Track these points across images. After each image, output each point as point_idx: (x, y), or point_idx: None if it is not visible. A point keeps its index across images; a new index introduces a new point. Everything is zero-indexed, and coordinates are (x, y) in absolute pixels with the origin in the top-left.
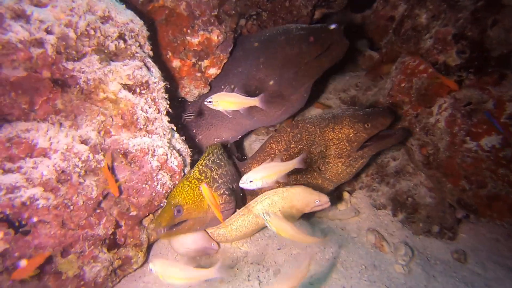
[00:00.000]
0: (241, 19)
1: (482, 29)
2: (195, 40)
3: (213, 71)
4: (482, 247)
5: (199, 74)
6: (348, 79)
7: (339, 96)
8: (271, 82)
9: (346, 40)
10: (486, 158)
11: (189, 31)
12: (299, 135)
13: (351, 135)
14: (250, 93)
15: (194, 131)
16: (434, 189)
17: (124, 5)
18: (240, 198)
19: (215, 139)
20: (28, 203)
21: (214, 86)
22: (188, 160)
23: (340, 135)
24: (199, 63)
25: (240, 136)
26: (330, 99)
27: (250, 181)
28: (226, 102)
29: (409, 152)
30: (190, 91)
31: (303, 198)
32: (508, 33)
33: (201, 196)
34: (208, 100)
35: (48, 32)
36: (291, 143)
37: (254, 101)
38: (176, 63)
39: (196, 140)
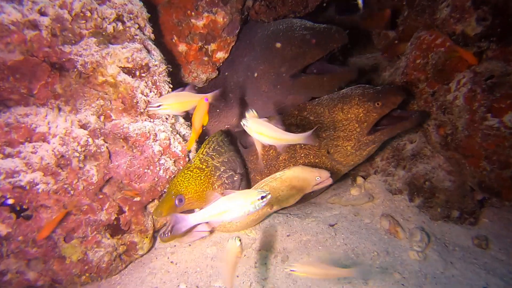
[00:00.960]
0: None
1: None
2: (200, 23)
3: (221, 55)
4: (507, 232)
5: (206, 58)
6: (364, 60)
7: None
8: (269, 80)
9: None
10: (510, 135)
11: (193, 13)
12: (307, 118)
13: (360, 115)
14: (248, 85)
15: None
16: (454, 172)
17: None
18: (245, 184)
19: (225, 126)
20: (28, 187)
21: (222, 71)
22: (194, 145)
23: (349, 115)
24: (206, 46)
25: None
26: None
27: (244, 124)
28: (176, 104)
29: (426, 134)
30: (197, 76)
31: (303, 177)
32: None
33: (204, 186)
34: (155, 105)
35: (42, 13)
36: (299, 127)
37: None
38: (182, 47)
39: (208, 125)
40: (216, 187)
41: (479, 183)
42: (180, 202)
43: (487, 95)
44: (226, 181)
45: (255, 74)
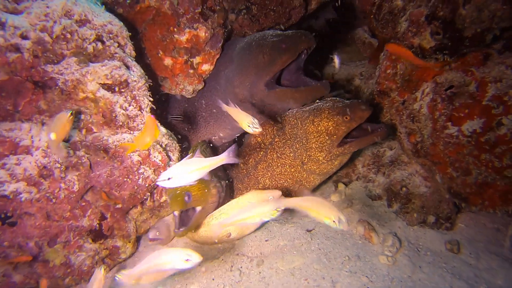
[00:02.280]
0: (230, 14)
1: (453, 8)
2: (183, 38)
3: (206, 67)
4: (481, 237)
5: (192, 71)
6: (353, 68)
7: (343, 86)
8: (245, 90)
9: (327, 86)
10: (467, 143)
11: (175, 29)
12: (282, 129)
13: (330, 128)
14: (229, 97)
15: (190, 128)
16: (430, 178)
17: (104, 7)
18: (229, 193)
19: (213, 138)
20: (11, 196)
21: (208, 82)
22: (176, 155)
23: (319, 128)
24: (191, 60)
25: (237, 135)
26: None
27: (169, 178)
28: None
29: (400, 141)
30: (184, 87)
31: (256, 199)
32: (480, 12)
33: (202, 186)
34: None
35: (24, 37)
36: (275, 136)
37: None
38: (168, 61)
39: (193, 137)
40: (211, 188)
41: (449, 189)
42: (189, 198)
43: (447, 105)
44: (217, 184)
45: (233, 86)
